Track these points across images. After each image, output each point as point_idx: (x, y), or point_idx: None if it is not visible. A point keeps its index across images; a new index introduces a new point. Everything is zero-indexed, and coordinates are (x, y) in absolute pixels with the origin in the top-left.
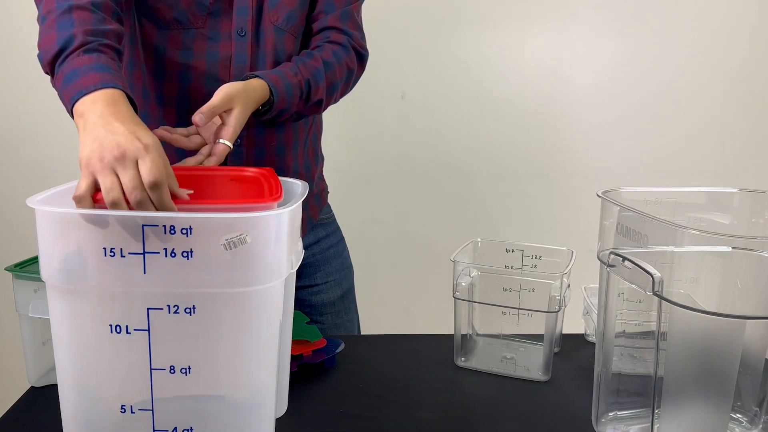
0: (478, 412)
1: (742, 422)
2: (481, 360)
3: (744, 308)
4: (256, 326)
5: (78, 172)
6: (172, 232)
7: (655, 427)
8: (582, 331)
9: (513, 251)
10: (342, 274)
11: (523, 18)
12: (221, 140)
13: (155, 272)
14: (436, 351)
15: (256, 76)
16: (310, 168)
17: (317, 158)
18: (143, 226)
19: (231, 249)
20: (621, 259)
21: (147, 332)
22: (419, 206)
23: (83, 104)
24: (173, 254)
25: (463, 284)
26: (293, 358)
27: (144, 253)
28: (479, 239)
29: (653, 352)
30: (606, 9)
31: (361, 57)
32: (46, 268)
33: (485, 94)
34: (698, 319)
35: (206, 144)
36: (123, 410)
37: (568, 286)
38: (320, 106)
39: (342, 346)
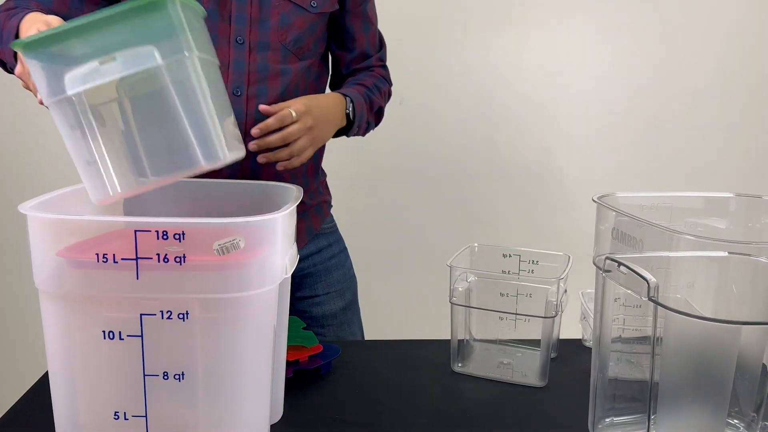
0: (475, 418)
1: (739, 428)
2: (478, 365)
3: (740, 313)
4: (250, 331)
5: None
6: (165, 237)
7: None
8: (579, 336)
9: (510, 256)
10: (344, 285)
11: (522, 23)
12: (288, 108)
13: (148, 278)
14: (432, 356)
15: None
16: (310, 181)
17: (317, 176)
18: (135, 231)
19: (224, 254)
20: (617, 264)
21: (140, 338)
22: (416, 211)
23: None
24: (166, 260)
25: (460, 289)
26: (289, 363)
27: (137, 258)
28: (476, 244)
29: (649, 357)
30: (604, 14)
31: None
32: (38, 275)
33: (483, 99)
34: (694, 324)
35: None
36: (116, 417)
37: (565, 291)
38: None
39: (338, 354)
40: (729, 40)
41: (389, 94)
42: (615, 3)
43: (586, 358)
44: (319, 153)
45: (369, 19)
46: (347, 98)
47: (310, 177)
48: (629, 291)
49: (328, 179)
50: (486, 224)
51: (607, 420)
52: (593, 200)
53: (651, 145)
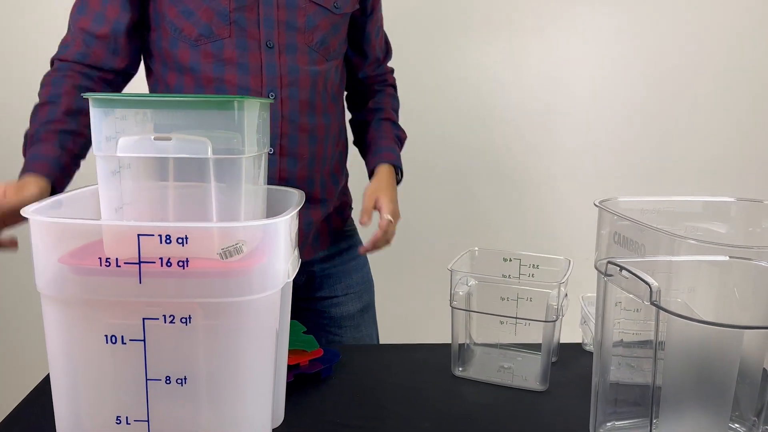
0: (476, 422)
1: None
2: (478, 369)
3: (742, 317)
4: (253, 336)
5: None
6: (168, 241)
7: None
8: (579, 341)
9: (510, 260)
10: (362, 288)
11: (521, 28)
12: (384, 216)
13: (151, 282)
14: (433, 360)
15: (382, 162)
16: (337, 181)
17: (342, 173)
18: (139, 235)
19: (227, 258)
20: (618, 268)
21: (143, 342)
22: (416, 215)
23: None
24: (169, 264)
25: (461, 293)
26: (290, 368)
27: (140, 262)
28: (476, 248)
29: (651, 361)
30: (603, 19)
31: None
32: (40, 279)
33: (482, 104)
34: (696, 328)
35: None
36: (118, 421)
37: (566, 295)
38: None
39: (338, 359)
40: (728, 44)
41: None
42: (614, 8)
43: (586, 362)
44: (343, 151)
45: (380, 22)
46: (396, 167)
47: (338, 175)
48: (631, 295)
49: None
50: (486, 228)
51: (609, 424)
52: (595, 204)
53: (651, 149)
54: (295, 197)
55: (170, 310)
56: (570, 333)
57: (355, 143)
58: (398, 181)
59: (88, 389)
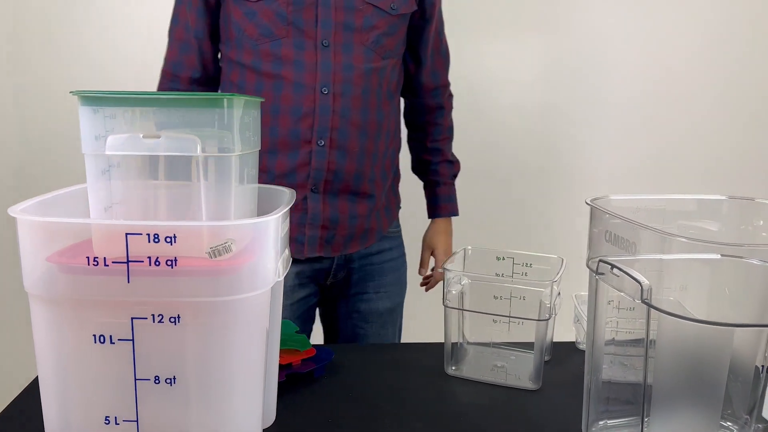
0: (468, 421)
1: (733, 430)
2: (471, 368)
3: (733, 315)
4: (242, 335)
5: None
6: (156, 240)
7: None
8: (573, 339)
9: (503, 259)
10: (394, 289)
11: (515, 27)
12: (438, 270)
13: (139, 281)
14: (426, 360)
15: (439, 215)
16: (386, 179)
17: (392, 171)
18: (127, 234)
19: (216, 257)
20: (610, 266)
21: (131, 342)
22: (409, 214)
23: None
24: (157, 263)
25: (454, 292)
26: (282, 367)
27: (128, 261)
28: (469, 247)
29: (643, 359)
30: (597, 19)
31: None
32: (28, 278)
33: (475, 102)
34: (687, 326)
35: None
36: (107, 421)
37: (559, 293)
38: None
39: (331, 357)
40: (722, 44)
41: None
42: (609, 9)
43: (579, 360)
44: (395, 150)
45: (439, 29)
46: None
47: (388, 172)
48: (622, 293)
49: None
50: (479, 227)
51: (601, 423)
52: (586, 203)
53: (645, 148)
54: (286, 196)
55: (159, 310)
56: (564, 331)
57: (413, 171)
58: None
59: (77, 389)
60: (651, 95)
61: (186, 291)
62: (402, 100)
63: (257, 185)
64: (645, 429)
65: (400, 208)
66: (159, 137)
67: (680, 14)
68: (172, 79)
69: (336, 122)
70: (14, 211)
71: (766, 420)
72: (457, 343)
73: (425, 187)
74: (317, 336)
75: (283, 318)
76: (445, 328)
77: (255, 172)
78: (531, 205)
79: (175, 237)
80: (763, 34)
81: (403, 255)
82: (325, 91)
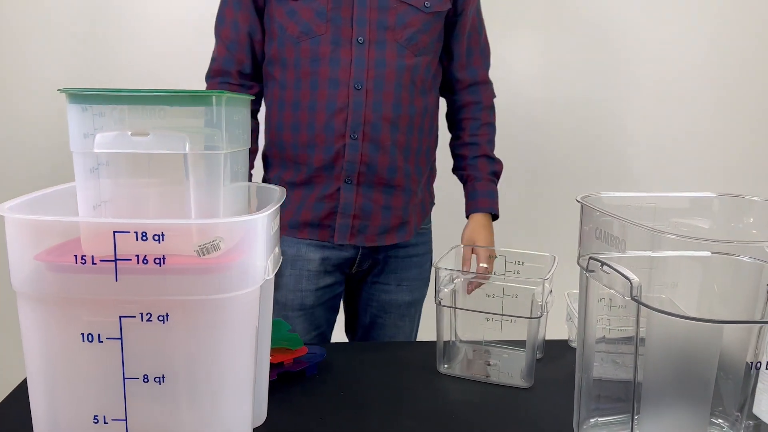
0: (459, 419)
1: (723, 427)
2: (463, 366)
3: (723, 312)
4: (232, 333)
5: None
6: (144, 238)
7: None
8: (566, 337)
9: (496, 257)
10: (415, 284)
11: (505, 26)
12: (481, 264)
13: (127, 279)
14: (418, 358)
15: (477, 210)
16: (421, 174)
17: (428, 167)
18: (114, 232)
19: (204, 255)
20: (600, 264)
21: (120, 341)
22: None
23: None
24: (145, 261)
25: (446, 290)
26: (273, 366)
27: (116, 260)
28: (462, 245)
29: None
30: (590, 19)
31: None
32: (16, 277)
33: None
34: (676, 323)
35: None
36: (96, 420)
37: (551, 291)
38: None
39: (323, 356)
40: (710, 42)
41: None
42: (608, 7)
43: (572, 358)
44: (431, 145)
45: (473, 24)
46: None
47: (423, 168)
48: (612, 291)
49: None
50: None
51: (592, 420)
52: (577, 200)
53: (636, 145)
54: (276, 193)
55: (147, 308)
56: (557, 329)
57: (453, 171)
58: (495, 217)
59: (65, 388)
60: (642, 92)
61: (174, 289)
62: (444, 101)
63: (247, 183)
64: (635, 426)
65: (433, 204)
66: (147, 135)
67: (675, 16)
68: (222, 75)
69: (369, 117)
70: (3, 209)
71: (756, 417)
72: (449, 341)
73: (464, 185)
74: (339, 328)
75: (308, 303)
76: (437, 326)
77: (245, 170)
78: (523, 202)
79: (163, 235)
80: (759, 35)
81: (430, 252)
82: (358, 87)
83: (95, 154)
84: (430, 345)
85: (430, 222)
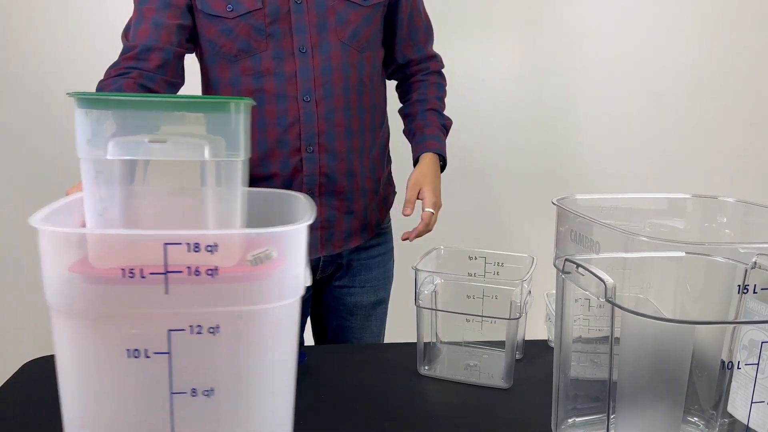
0: (437, 420)
1: (699, 425)
2: (444, 368)
3: (697, 312)
4: (278, 343)
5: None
6: (197, 249)
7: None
8: (545, 338)
9: (476, 258)
10: (380, 283)
11: (489, 28)
12: (426, 209)
13: (178, 292)
14: (399, 359)
15: (426, 150)
16: (376, 171)
17: (384, 161)
18: (165, 244)
19: (257, 265)
20: (575, 265)
21: (168, 355)
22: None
23: None
24: (197, 273)
25: (426, 292)
26: None
27: (166, 273)
28: (442, 247)
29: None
30: (569, 21)
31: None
32: (50, 290)
33: (456, 101)
34: (650, 324)
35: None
36: None
37: (529, 292)
38: None
39: (305, 359)
40: (689, 42)
41: (445, 89)
42: (598, 7)
43: (551, 358)
44: (384, 140)
45: (413, 6)
46: (440, 155)
47: (379, 165)
48: (587, 292)
49: None
50: (452, 227)
51: (570, 420)
52: (552, 203)
53: (616, 147)
54: (298, 200)
55: (198, 320)
56: (537, 330)
57: (404, 133)
58: (442, 168)
59: (106, 407)
60: (623, 94)
61: (226, 300)
62: (396, 83)
63: (247, 189)
64: (611, 426)
65: (395, 193)
66: (165, 141)
67: (656, 10)
68: (137, 58)
69: (322, 127)
70: (35, 220)
71: (731, 414)
72: (429, 342)
73: (412, 138)
74: (309, 331)
75: None
76: (417, 327)
77: (247, 176)
78: (503, 203)
79: (216, 246)
80: (748, 36)
81: (392, 250)
82: (307, 98)
83: (103, 160)
84: (410, 346)
85: (389, 220)
